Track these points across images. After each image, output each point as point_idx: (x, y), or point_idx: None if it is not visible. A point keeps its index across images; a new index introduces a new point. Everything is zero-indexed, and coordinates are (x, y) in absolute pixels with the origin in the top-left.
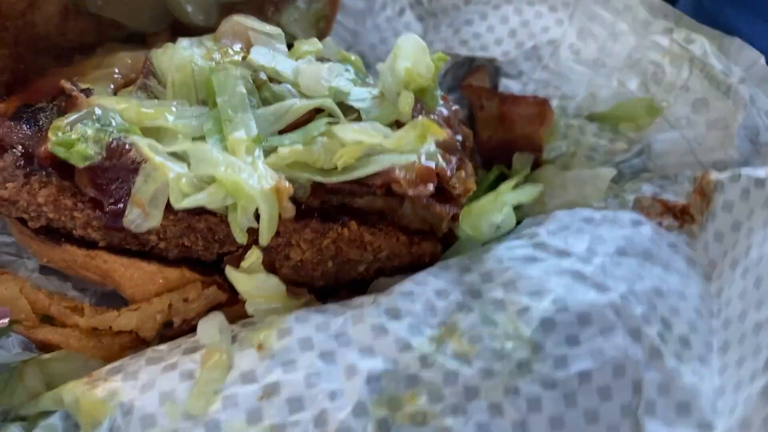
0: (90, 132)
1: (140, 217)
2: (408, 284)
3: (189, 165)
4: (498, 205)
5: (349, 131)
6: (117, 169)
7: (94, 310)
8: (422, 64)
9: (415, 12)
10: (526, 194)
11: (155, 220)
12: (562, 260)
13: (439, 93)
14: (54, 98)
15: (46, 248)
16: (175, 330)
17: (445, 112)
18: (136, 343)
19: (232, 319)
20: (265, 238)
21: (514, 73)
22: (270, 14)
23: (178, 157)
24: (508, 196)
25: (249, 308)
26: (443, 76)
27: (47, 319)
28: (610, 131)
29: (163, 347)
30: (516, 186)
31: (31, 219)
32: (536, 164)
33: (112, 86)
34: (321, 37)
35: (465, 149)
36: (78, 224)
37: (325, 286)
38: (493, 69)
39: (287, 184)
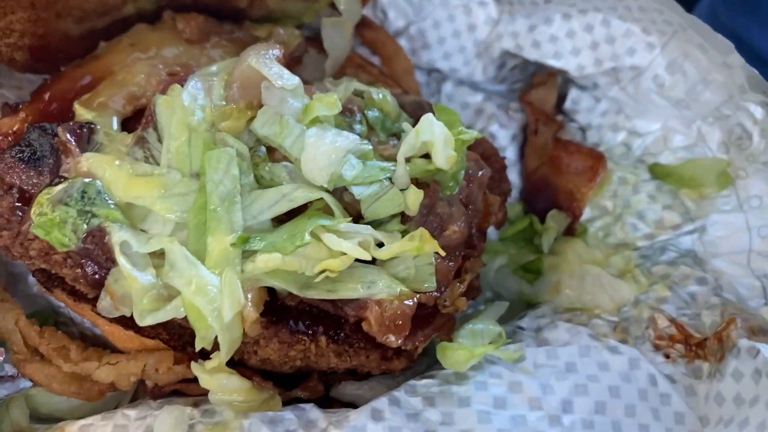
0: (71, 213)
1: (111, 306)
2: (362, 417)
3: (163, 265)
4: (473, 359)
5: (336, 240)
6: (93, 257)
7: (80, 352)
8: (442, 157)
9: None
10: (505, 354)
11: (126, 313)
12: (531, 413)
13: (462, 174)
14: (60, 122)
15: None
16: (149, 389)
17: (469, 183)
18: (114, 389)
19: (200, 392)
20: (224, 359)
21: (589, 85)
22: None
23: (155, 253)
24: (482, 352)
25: (211, 398)
26: (511, 70)
27: (38, 353)
28: (669, 195)
29: (132, 413)
30: (496, 342)
31: (26, 264)
32: (570, 230)
33: (116, 117)
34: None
35: (485, 222)
36: (68, 278)
37: (295, 373)
38: (563, 77)
39: (251, 310)
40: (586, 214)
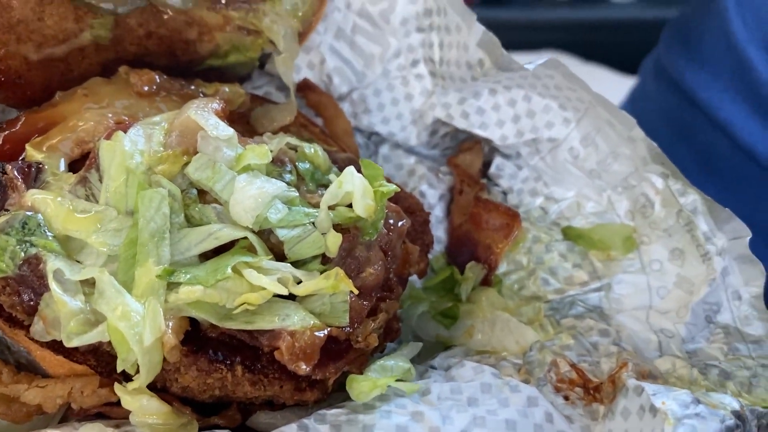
0: (11, 241)
1: (44, 330)
2: None
3: (93, 293)
4: (375, 389)
5: (256, 276)
6: (28, 284)
7: (12, 376)
8: (361, 205)
9: (428, 67)
10: (407, 387)
11: (57, 337)
12: None
13: (381, 222)
14: (11, 160)
15: None
16: (75, 411)
17: (389, 231)
18: (41, 412)
19: (123, 414)
20: (144, 383)
21: (512, 154)
22: (255, 11)
23: (87, 282)
24: (387, 384)
25: (132, 419)
26: (442, 137)
27: None
28: (579, 255)
29: None
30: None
31: None
32: (487, 280)
33: (63, 158)
34: (307, 32)
35: (405, 268)
36: (5, 305)
37: (215, 402)
38: (489, 146)
39: (171, 337)
40: (503, 267)
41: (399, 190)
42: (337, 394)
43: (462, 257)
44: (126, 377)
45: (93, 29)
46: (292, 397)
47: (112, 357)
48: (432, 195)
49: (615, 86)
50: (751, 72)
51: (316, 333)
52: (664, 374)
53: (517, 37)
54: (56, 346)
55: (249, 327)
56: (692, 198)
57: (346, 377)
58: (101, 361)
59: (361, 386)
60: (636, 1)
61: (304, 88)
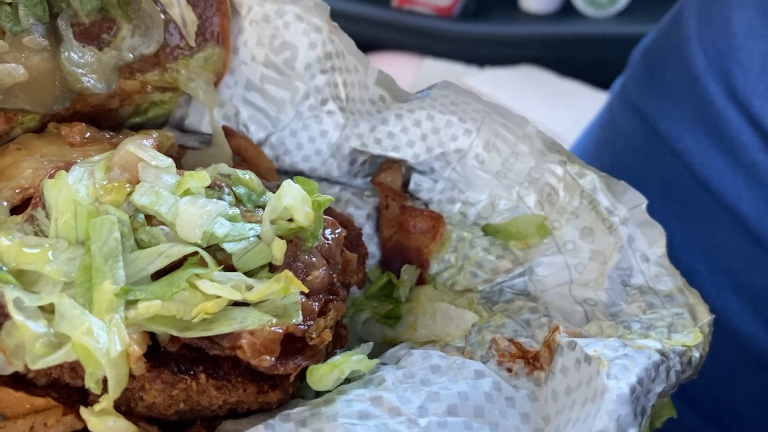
0: None
1: (4, 362)
2: None
3: (54, 318)
4: (334, 374)
5: (210, 285)
6: None
7: None
8: (301, 213)
9: (337, 104)
10: (363, 364)
11: (19, 367)
12: (391, 420)
13: (320, 231)
14: None
15: None
16: None
17: (327, 240)
18: None
19: None
20: (112, 397)
21: (427, 170)
22: (168, 70)
23: (46, 309)
24: (345, 366)
25: None
26: (361, 164)
27: None
28: (500, 248)
29: None
30: (355, 355)
31: None
32: (422, 279)
33: (5, 203)
34: (218, 80)
35: (345, 275)
36: None
37: (180, 419)
38: (405, 165)
39: (136, 348)
40: (434, 267)
41: (334, 200)
42: (296, 400)
43: (396, 264)
44: (91, 403)
45: (23, 125)
46: (256, 400)
47: (72, 389)
48: (359, 215)
49: (591, 101)
50: (710, 105)
51: (274, 329)
52: (594, 336)
53: (494, 51)
54: (17, 380)
55: (209, 333)
56: (590, 178)
57: (304, 380)
58: (62, 393)
59: (321, 371)
60: (614, 17)
61: (224, 134)
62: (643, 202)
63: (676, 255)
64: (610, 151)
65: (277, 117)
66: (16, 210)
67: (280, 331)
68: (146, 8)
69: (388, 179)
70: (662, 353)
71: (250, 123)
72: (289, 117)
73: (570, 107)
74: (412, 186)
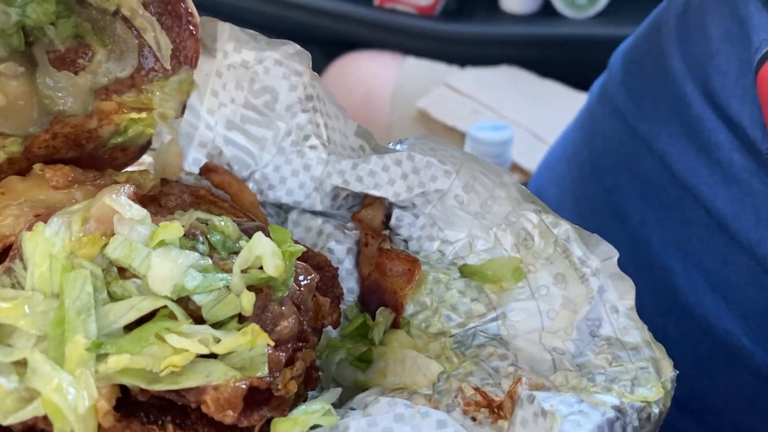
0: None
1: None
2: None
3: (26, 372)
4: (296, 426)
5: (177, 339)
6: None
7: None
8: (271, 266)
9: (320, 140)
10: (326, 420)
11: None
12: None
13: (291, 280)
14: None
15: None
16: None
17: (299, 288)
18: None
19: None
20: None
21: (408, 206)
22: (143, 92)
23: (19, 363)
24: (309, 421)
25: None
26: (344, 199)
27: None
28: (475, 290)
29: None
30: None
31: None
32: (396, 323)
33: None
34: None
35: (317, 320)
36: None
37: None
38: (387, 201)
39: (104, 403)
40: (409, 309)
41: (306, 249)
42: None
43: (373, 304)
44: None
45: (6, 148)
46: None
47: (49, 428)
48: (340, 250)
49: (571, 102)
50: (688, 107)
51: (238, 384)
52: (558, 387)
53: (475, 51)
54: None
55: (176, 387)
56: (564, 228)
57: (269, 427)
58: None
59: (284, 426)
60: (593, 18)
61: (207, 171)
62: (614, 254)
63: (654, 254)
64: (589, 151)
65: (260, 154)
66: None
67: (244, 387)
68: (121, 34)
69: (368, 216)
70: (619, 410)
71: (233, 162)
72: (272, 153)
73: (550, 108)
74: (393, 221)
